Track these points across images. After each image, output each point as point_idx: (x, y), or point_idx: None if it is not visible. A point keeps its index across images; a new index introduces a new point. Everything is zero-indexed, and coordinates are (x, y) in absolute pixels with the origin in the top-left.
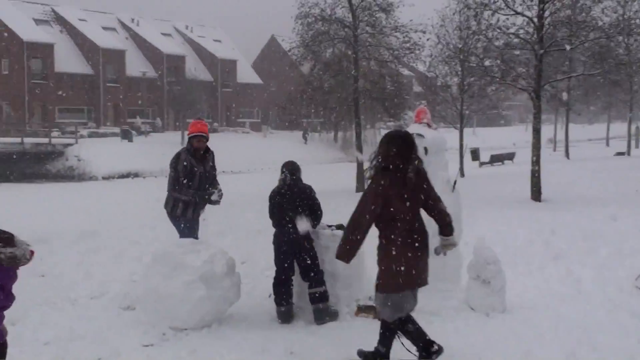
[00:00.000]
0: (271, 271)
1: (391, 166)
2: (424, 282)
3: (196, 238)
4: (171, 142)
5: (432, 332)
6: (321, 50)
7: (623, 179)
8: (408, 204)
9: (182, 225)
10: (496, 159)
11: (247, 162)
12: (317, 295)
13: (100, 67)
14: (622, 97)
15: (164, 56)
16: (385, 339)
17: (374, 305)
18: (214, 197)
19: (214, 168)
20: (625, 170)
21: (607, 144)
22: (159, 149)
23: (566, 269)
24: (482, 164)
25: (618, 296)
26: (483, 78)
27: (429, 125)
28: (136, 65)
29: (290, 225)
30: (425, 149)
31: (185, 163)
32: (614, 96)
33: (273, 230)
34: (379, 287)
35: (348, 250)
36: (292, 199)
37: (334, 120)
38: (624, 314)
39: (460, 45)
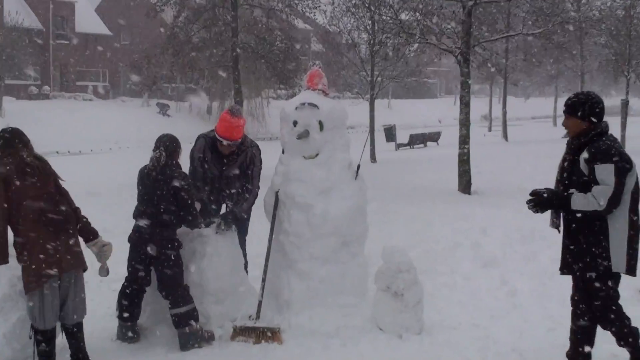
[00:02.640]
0: (119, 283)
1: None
2: None
3: None
4: None
5: (331, 358)
6: None
7: None
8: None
9: None
10: (417, 139)
11: (91, 140)
12: (181, 315)
13: None
14: (570, 65)
15: None
16: None
17: (255, 326)
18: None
19: (249, 168)
20: None
21: (555, 124)
22: None
23: (499, 279)
24: (399, 146)
25: (560, 312)
26: (398, 36)
27: (324, 93)
28: None
29: (151, 221)
30: (320, 124)
31: (200, 155)
32: (562, 63)
33: (124, 228)
34: None
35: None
36: (160, 189)
37: (206, 86)
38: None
39: None
